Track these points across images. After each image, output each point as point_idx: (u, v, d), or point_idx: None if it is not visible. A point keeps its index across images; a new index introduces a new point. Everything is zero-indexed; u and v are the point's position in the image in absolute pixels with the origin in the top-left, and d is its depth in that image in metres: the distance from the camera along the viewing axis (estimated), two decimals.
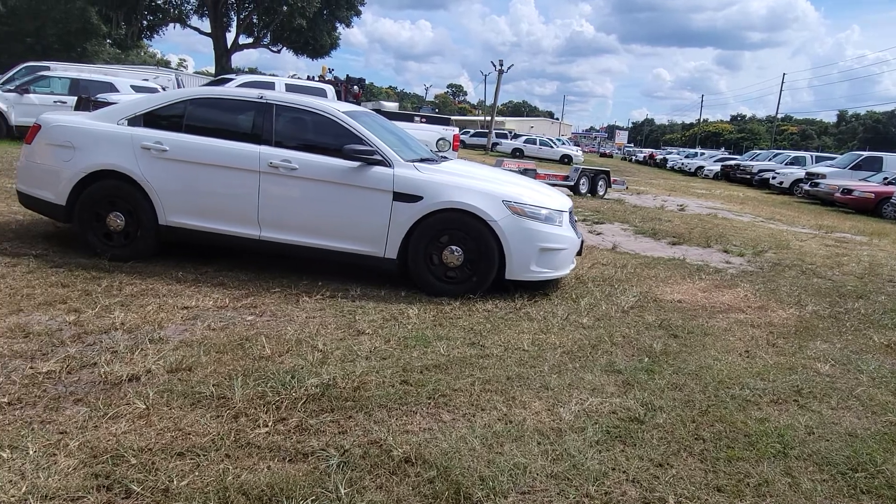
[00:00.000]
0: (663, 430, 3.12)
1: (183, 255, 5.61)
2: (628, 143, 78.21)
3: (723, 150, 57.09)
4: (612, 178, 16.55)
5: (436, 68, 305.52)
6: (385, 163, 5.17)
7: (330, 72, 14.97)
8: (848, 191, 19.18)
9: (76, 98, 12.58)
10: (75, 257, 5.24)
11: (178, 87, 19.48)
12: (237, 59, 46.27)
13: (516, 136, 45.20)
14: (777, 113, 75.87)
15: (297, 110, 5.46)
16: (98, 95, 12.32)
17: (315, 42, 45.45)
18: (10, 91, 14.35)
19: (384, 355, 3.79)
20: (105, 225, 5.37)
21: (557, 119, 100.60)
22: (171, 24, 44.57)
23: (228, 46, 44.12)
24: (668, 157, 47.01)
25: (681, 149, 60.17)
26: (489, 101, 59.76)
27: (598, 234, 9.49)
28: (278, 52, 48.32)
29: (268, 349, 3.71)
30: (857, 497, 2.68)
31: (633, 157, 57.13)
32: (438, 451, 2.75)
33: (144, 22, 43.68)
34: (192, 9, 43.64)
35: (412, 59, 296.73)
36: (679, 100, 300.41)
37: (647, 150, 59.62)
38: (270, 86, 11.77)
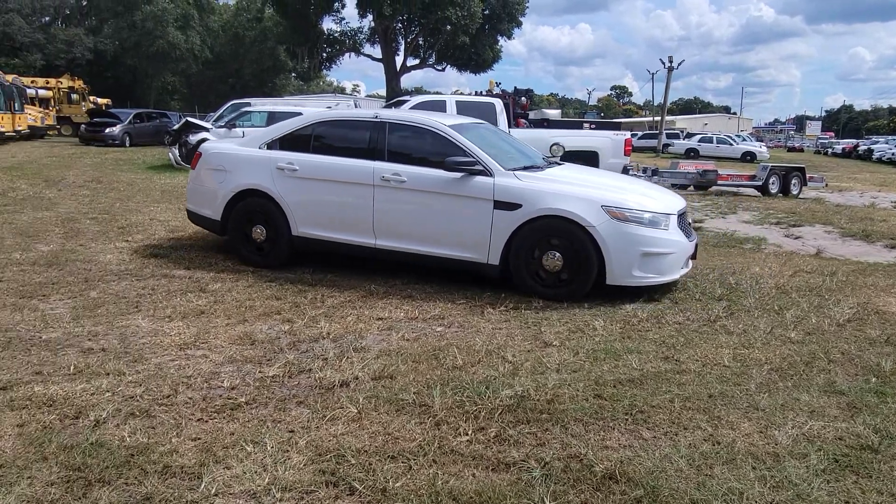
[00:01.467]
0: None
1: (373, 270, 6.02)
2: (822, 133, 70.10)
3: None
4: (807, 175, 14.95)
5: (598, 71, 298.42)
6: (486, 172, 5.34)
7: (497, 85, 15.27)
8: None
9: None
10: (283, 273, 5.85)
11: None
12: (404, 81, 48.94)
13: (689, 136, 42.62)
14: None
15: (407, 127, 5.85)
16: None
17: (478, 57, 46.65)
18: (221, 127, 16.49)
19: (574, 368, 3.76)
20: (251, 236, 6.09)
21: (734, 114, 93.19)
22: (347, 54, 48.31)
23: (398, 69, 46.80)
24: (873, 147, 41.35)
25: (889, 137, 52.55)
26: (657, 101, 57.08)
27: (796, 237, 8.62)
28: (443, 70, 50.27)
29: (460, 359, 3.84)
30: None
31: (829, 150, 50.95)
32: (643, 469, 2.65)
33: (324, 54, 47.81)
34: (364, 38, 46.97)
35: (573, 64, 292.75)
36: (884, 81, 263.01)
37: (847, 141, 52.86)
38: (442, 104, 12.26)
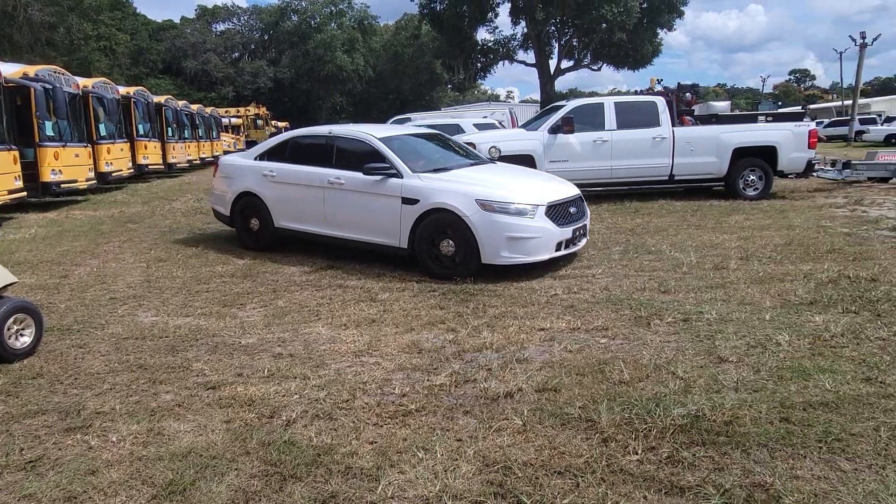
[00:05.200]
0: None
1: (530, 275, 6.03)
2: None
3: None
4: None
5: (773, 55, 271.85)
6: (398, 175, 6.61)
7: (659, 82, 14.52)
8: None
9: None
10: (446, 283, 6.05)
11: (513, 119, 21.21)
12: (558, 84, 48.38)
13: (889, 120, 37.46)
14: None
15: (349, 140, 7.29)
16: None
17: (636, 53, 44.90)
18: None
19: (755, 387, 3.47)
20: (250, 226, 7.95)
21: None
22: (501, 62, 48.88)
23: (552, 73, 46.43)
24: None
25: None
26: (847, 83, 50.83)
27: None
28: (598, 69, 49.03)
29: (626, 374, 3.72)
30: None
31: None
32: None
33: (479, 64, 48.83)
34: (517, 44, 47.23)
35: (742, 51, 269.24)
36: None
37: None
38: (599, 107, 11.94)
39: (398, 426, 3.22)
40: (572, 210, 6.63)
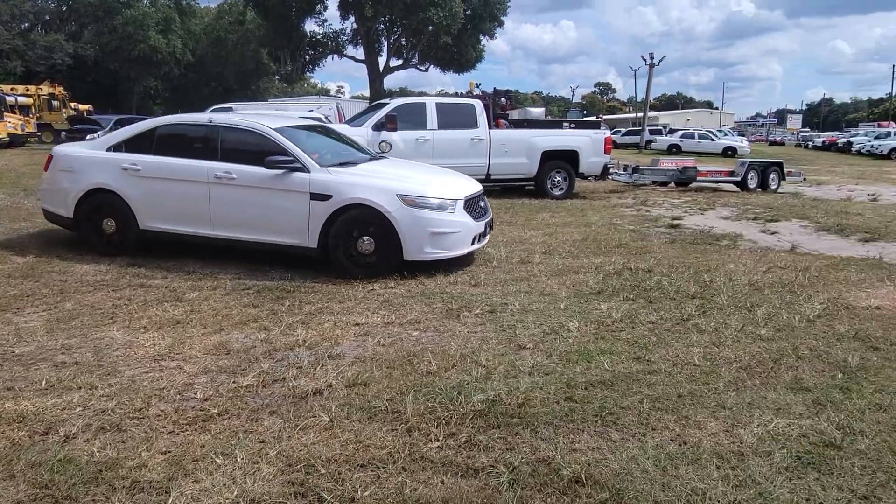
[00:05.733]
0: (866, 458, 2.79)
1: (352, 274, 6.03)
2: (803, 127, 70.80)
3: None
4: (785, 170, 15.13)
5: (581, 68, 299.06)
6: (303, 169, 6.05)
7: (477, 86, 15.29)
8: None
9: None
10: (263, 279, 5.84)
11: (339, 113, 20.99)
12: (387, 82, 48.83)
13: (672, 132, 42.91)
14: None
15: (237, 130, 6.52)
16: None
17: (461, 57, 46.64)
18: None
19: (547, 371, 3.79)
20: (103, 229, 6.73)
21: (717, 108, 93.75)
22: (330, 56, 48.11)
23: (381, 70, 46.69)
24: (852, 139, 41.87)
25: (868, 129, 53.19)
26: (640, 97, 57.39)
27: (772, 233, 8.72)
28: (426, 70, 50.25)
29: (434, 364, 3.87)
30: None
31: (810, 143, 51.49)
32: (609, 472, 2.69)
33: (307, 56, 47.59)
34: (347, 39, 46.80)
35: (556, 62, 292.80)
36: (863, 74, 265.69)
37: (827, 135, 53.46)
38: (422, 106, 12.27)
39: (197, 433, 3.05)
40: (482, 204, 6.70)
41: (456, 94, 17.60)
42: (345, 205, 5.92)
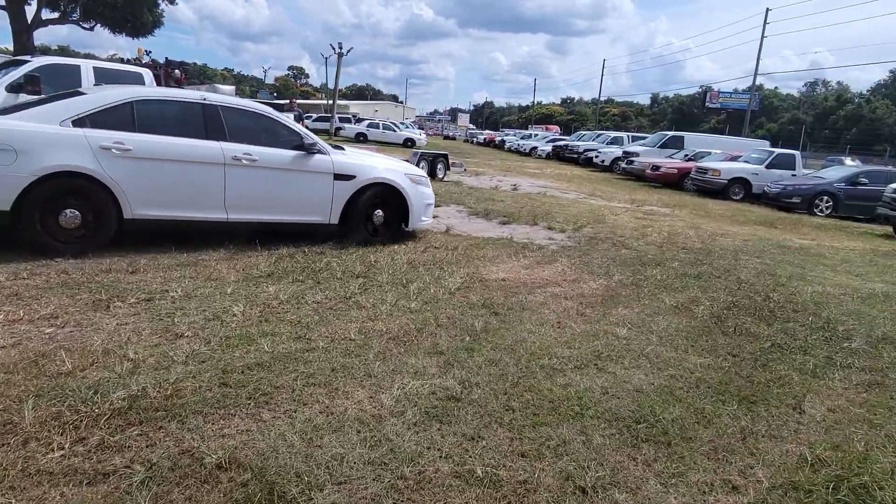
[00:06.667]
0: (477, 405, 3.33)
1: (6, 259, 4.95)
2: (471, 125, 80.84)
3: (556, 131, 60.92)
4: (450, 161, 17.05)
5: (275, 49, 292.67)
6: (324, 152, 6.78)
7: (147, 54, 13.80)
8: (656, 167, 21.42)
9: None
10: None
11: None
12: (44, 36, 40.96)
13: (360, 121, 44.86)
14: (600, 96, 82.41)
15: (241, 111, 6.46)
16: None
17: (135, 19, 41.51)
18: None
19: (203, 358, 3.65)
20: (61, 222, 5.60)
21: (402, 102, 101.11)
22: None
23: (29, 22, 38.87)
24: (505, 138, 49.27)
25: (517, 130, 63.28)
26: (332, 85, 58.59)
27: (434, 217, 9.75)
28: (90, 29, 43.50)
29: (68, 364, 3.41)
30: (638, 446, 3.06)
31: (475, 139, 59.15)
32: (255, 452, 2.72)
33: None
34: None
35: (248, 40, 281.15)
36: (515, 83, 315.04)
37: (487, 133, 61.99)
38: (75, 69, 10.59)
39: None
40: None
41: (122, 62, 15.61)
42: (368, 183, 6.83)
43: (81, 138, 5.48)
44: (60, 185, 5.42)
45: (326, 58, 55.89)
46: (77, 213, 5.56)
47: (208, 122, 6.11)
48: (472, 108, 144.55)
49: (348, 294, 5.09)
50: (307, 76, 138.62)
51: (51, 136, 5.38)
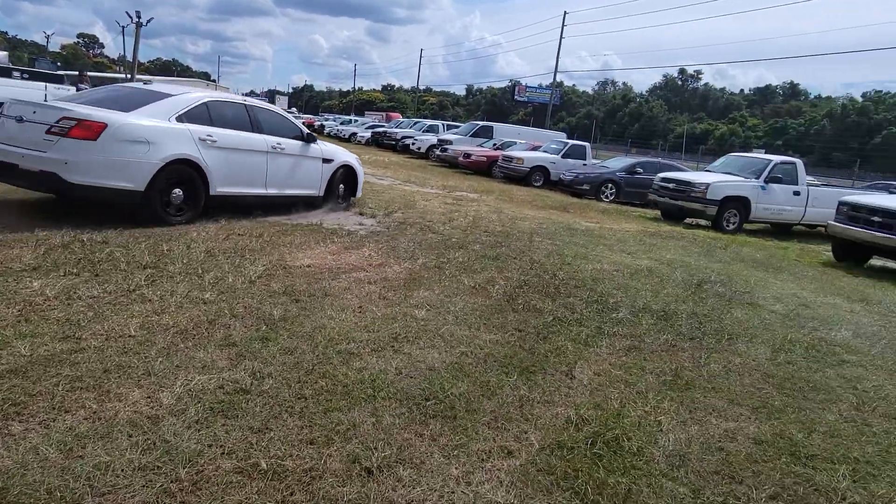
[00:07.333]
0: (268, 396, 3.24)
1: None
2: (289, 108, 78.06)
3: (377, 118, 61.11)
4: None
5: (62, 13, 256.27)
6: (315, 141, 9.11)
7: None
8: (468, 155, 22.48)
9: None
10: None
11: None
12: None
13: None
14: (418, 84, 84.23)
15: (265, 111, 8.58)
16: None
17: None
18: None
19: None
20: (170, 198, 7.11)
21: (214, 81, 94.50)
22: None
23: None
24: (325, 123, 48.36)
25: (338, 115, 62.48)
26: (131, 57, 52.88)
27: None
28: None
29: None
30: (426, 422, 3.19)
31: None
32: None
33: None
34: None
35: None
36: (336, 68, 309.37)
37: (306, 117, 60.38)
38: None
39: None
40: None
41: None
42: (340, 165, 9.37)
43: (188, 132, 6.95)
44: (175, 169, 6.80)
45: (123, 27, 50.52)
46: (180, 191, 6.96)
47: (252, 119, 7.89)
48: (291, 90, 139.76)
49: (132, 287, 4.65)
50: (102, 46, 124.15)
51: (168, 131, 6.78)
